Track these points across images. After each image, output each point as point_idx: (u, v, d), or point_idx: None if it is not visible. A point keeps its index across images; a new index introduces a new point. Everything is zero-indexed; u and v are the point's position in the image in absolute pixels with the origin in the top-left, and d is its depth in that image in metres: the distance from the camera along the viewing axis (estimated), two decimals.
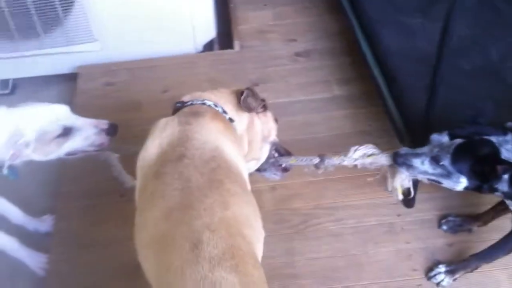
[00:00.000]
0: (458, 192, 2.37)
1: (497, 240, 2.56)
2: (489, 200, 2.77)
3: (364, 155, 2.42)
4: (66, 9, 3.52)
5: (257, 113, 2.40)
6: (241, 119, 2.33)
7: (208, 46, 4.10)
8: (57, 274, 2.87)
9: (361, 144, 2.45)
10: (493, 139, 2.20)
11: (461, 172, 2.22)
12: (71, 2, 3.52)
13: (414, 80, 2.99)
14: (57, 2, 3.46)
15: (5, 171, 2.42)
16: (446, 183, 2.29)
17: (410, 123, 2.90)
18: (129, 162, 2.28)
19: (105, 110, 3.58)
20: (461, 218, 2.89)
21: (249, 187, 2.17)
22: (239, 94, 2.34)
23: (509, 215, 2.51)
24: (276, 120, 2.55)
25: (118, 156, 2.70)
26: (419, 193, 2.66)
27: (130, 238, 1.96)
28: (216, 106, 2.25)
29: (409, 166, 2.30)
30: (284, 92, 3.69)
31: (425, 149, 2.30)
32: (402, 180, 2.43)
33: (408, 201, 2.82)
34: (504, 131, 2.23)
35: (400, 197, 2.50)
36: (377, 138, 3.30)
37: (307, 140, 3.35)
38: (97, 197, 3.15)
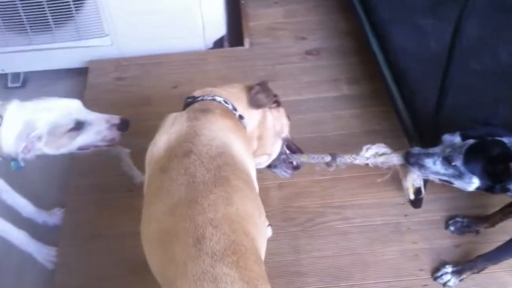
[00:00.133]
0: (466, 194, 2.38)
1: (505, 241, 2.55)
2: (497, 202, 2.77)
3: (375, 154, 2.42)
4: (78, 4, 3.54)
5: (270, 108, 2.40)
6: (252, 116, 2.33)
7: (218, 43, 4.11)
8: (65, 267, 2.89)
9: (370, 143, 2.46)
10: (505, 140, 2.20)
11: (473, 172, 2.22)
12: None
13: (424, 80, 2.99)
14: None
15: (14, 163, 2.45)
16: (458, 184, 2.30)
17: (419, 123, 2.90)
18: (139, 158, 2.29)
19: (115, 104, 3.59)
20: (469, 220, 2.89)
21: (256, 185, 2.18)
22: (252, 87, 2.35)
23: None
24: (288, 117, 2.55)
25: (128, 151, 2.72)
26: (427, 194, 2.66)
27: (138, 232, 1.97)
28: (226, 102, 2.25)
29: (421, 166, 2.30)
30: (293, 90, 3.68)
31: (437, 149, 2.30)
32: (414, 180, 2.44)
33: (416, 201, 2.82)
34: None
35: (412, 196, 2.51)
36: (386, 137, 3.28)
37: (315, 138, 3.36)
38: (106, 191, 3.17)
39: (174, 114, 2.20)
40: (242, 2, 4.41)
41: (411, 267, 2.80)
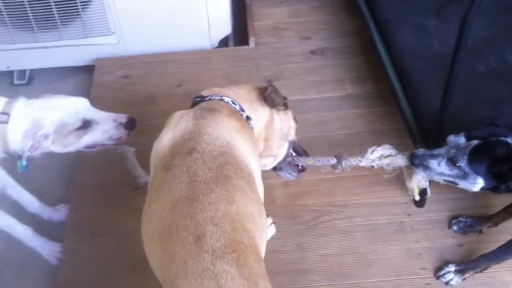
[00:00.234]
0: (469, 194, 2.39)
1: (507, 241, 2.56)
2: (499, 202, 2.78)
3: (381, 156, 2.44)
4: (85, 2, 3.56)
5: (278, 110, 2.42)
6: (259, 117, 2.35)
7: (224, 42, 4.12)
8: (69, 264, 2.90)
9: (374, 143, 2.47)
10: (509, 140, 2.22)
11: (477, 173, 2.24)
12: None
13: (428, 81, 3.00)
14: None
15: (24, 162, 2.46)
16: (463, 184, 2.31)
17: (423, 123, 2.91)
18: (144, 156, 2.31)
19: (120, 102, 3.61)
20: (472, 219, 2.89)
21: (261, 185, 2.20)
22: (262, 90, 2.36)
23: None
24: (295, 120, 2.56)
25: (134, 150, 2.73)
26: (432, 193, 2.67)
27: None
28: (234, 103, 2.27)
29: (426, 167, 2.32)
30: (298, 90, 3.69)
31: (441, 150, 2.32)
32: (419, 181, 2.45)
33: (420, 201, 2.84)
34: None
35: (417, 197, 2.52)
36: (390, 137, 3.31)
37: (320, 138, 3.36)
38: (111, 189, 3.18)
39: (180, 112, 2.21)
40: (247, 1, 4.42)
41: (414, 265, 2.81)
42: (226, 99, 2.27)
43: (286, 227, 2.96)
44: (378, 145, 2.46)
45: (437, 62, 2.90)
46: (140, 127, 2.72)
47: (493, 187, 2.27)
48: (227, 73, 3.83)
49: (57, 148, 2.52)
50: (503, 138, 2.22)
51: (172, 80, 3.80)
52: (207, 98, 2.29)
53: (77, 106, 2.52)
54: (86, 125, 2.52)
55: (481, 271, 2.67)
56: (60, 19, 3.60)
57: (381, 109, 3.53)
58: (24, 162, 2.45)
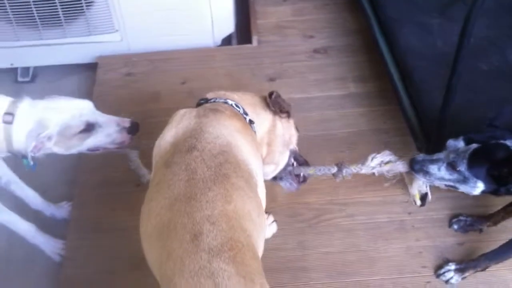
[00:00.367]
0: None
1: (507, 241, 2.57)
2: (499, 201, 2.78)
3: (381, 162, 2.44)
4: (89, 0, 3.57)
5: (281, 117, 2.43)
6: (262, 122, 2.36)
7: (227, 41, 4.13)
8: (72, 260, 2.92)
9: (376, 141, 2.48)
10: (508, 142, 2.22)
11: (478, 177, 2.24)
12: None
13: (431, 79, 3.01)
14: None
15: (28, 162, 2.47)
16: (463, 188, 2.31)
17: (425, 122, 2.92)
18: (147, 155, 2.32)
19: (123, 100, 3.63)
20: (472, 218, 2.90)
21: (262, 188, 2.21)
22: (267, 96, 2.37)
23: None
24: (297, 129, 2.57)
25: (137, 152, 2.74)
26: (432, 192, 2.68)
27: None
28: (237, 106, 2.29)
29: (426, 173, 2.32)
30: (300, 88, 3.71)
31: (441, 155, 2.32)
32: (420, 186, 2.46)
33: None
34: None
35: (419, 202, 2.53)
36: (392, 136, 3.33)
37: (322, 136, 3.38)
38: (113, 186, 3.20)
39: (183, 110, 2.23)
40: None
41: (415, 264, 2.82)
42: (230, 101, 2.29)
43: (287, 225, 2.97)
44: (378, 152, 2.46)
45: (440, 61, 2.90)
46: (143, 124, 2.73)
47: (493, 190, 2.27)
48: (230, 71, 3.84)
49: (60, 150, 2.53)
50: (502, 141, 2.23)
51: (176, 78, 3.81)
52: (212, 100, 2.32)
53: (81, 109, 2.53)
54: (89, 128, 2.53)
55: (481, 270, 2.68)
56: (65, 16, 3.61)
57: (383, 108, 3.54)
58: (31, 162, 2.47)
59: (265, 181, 2.29)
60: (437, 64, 3.02)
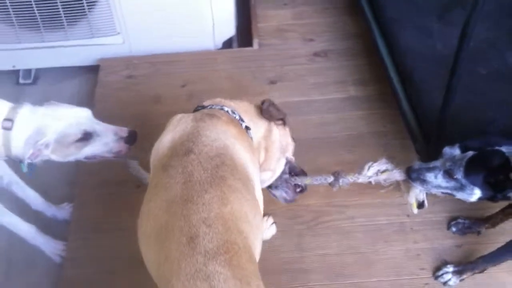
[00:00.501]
0: None
1: (505, 243, 2.58)
2: (497, 204, 2.78)
3: (378, 171, 2.44)
4: (91, 2, 3.59)
5: (277, 125, 2.44)
6: (258, 129, 2.38)
7: (227, 44, 4.14)
8: (73, 261, 2.93)
9: (376, 145, 2.48)
10: (504, 149, 2.23)
11: (474, 184, 2.25)
12: None
13: (431, 82, 3.01)
14: None
15: (24, 168, 2.48)
16: (460, 196, 2.33)
17: (424, 124, 2.94)
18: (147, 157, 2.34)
19: (125, 102, 3.64)
20: (470, 220, 2.92)
21: (258, 191, 2.22)
22: (260, 105, 2.40)
23: None
24: (293, 139, 2.58)
25: (137, 162, 2.75)
26: (430, 195, 2.70)
27: None
28: (233, 113, 2.31)
29: (423, 181, 2.33)
30: (300, 91, 3.71)
31: (437, 163, 2.33)
32: (417, 194, 2.46)
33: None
34: None
35: (415, 211, 2.53)
36: (391, 139, 3.34)
37: (322, 139, 3.39)
38: (113, 187, 3.20)
39: (180, 115, 2.26)
40: (252, 2, 4.43)
41: (413, 266, 2.83)
42: (226, 108, 2.31)
43: (286, 227, 2.99)
44: (375, 161, 2.47)
45: (440, 63, 2.91)
46: (144, 127, 2.74)
47: (490, 197, 2.28)
48: (231, 74, 3.86)
49: (57, 158, 2.53)
50: (497, 147, 2.24)
51: (177, 80, 3.82)
52: (208, 107, 2.34)
53: (80, 117, 2.53)
54: (87, 136, 2.53)
55: (479, 272, 2.69)
56: (66, 19, 3.62)
57: (383, 111, 3.55)
58: (25, 169, 2.49)
59: (262, 189, 2.30)
60: (437, 66, 3.02)
